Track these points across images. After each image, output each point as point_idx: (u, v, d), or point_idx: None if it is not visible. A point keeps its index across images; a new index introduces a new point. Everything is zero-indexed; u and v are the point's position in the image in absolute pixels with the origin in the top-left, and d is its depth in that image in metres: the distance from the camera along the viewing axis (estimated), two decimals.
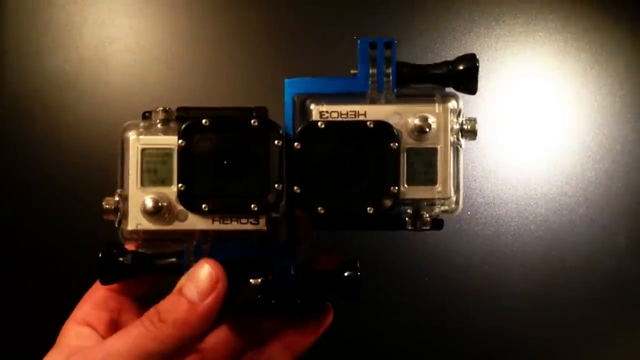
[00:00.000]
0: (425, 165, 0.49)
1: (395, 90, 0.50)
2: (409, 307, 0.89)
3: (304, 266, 0.54)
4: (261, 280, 0.52)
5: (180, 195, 0.49)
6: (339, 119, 0.49)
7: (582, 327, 0.90)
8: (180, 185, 0.49)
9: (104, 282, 0.53)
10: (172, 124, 0.52)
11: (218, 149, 0.49)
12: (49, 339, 0.53)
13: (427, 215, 0.51)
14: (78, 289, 0.56)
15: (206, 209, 0.49)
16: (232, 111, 0.51)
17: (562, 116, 0.91)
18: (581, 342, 0.90)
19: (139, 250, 0.53)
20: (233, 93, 0.90)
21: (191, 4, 0.92)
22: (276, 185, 0.49)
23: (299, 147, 0.48)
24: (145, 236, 0.52)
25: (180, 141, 0.49)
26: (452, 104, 0.50)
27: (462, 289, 0.89)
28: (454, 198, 0.50)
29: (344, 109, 0.49)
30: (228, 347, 0.57)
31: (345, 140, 0.49)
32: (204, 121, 0.49)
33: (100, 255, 0.52)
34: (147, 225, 0.51)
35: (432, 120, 0.49)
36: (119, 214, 0.52)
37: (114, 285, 0.54)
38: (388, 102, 0.50)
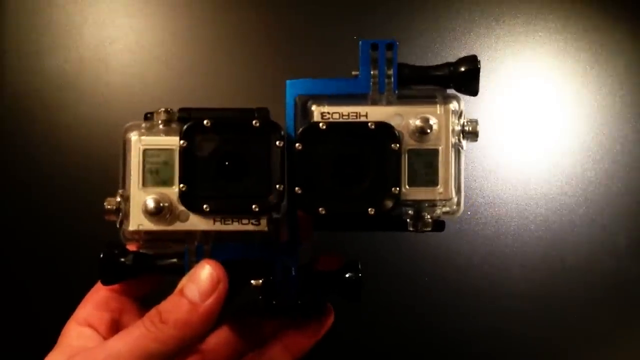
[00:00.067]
0: (426, 167, 0.49)
1: (396, 92, 0.50)
2: (409, 308, 0.89)
3: (305, 267, 0.54)
4: (262, 281, 0.52)
5: (182, 195, 0.49)
6: (341, 120, 0.49)
7: (582, 327, 0.90)
8: (181, 185, 0.49)
9: (105, 283, 0.53)
10: (173, 125, 0.51)
11: (219, 150, 0.49)
12: (50, 340, 0.53)
13: (429, 216, 0.50)
14: (79, 289, 0.56)
15: (207, 209, 0.49)
16: (234, 112, 0.51)
17: (562, 116, 0.91)
18: (581, 342, 0.91)
19: (140, 251, 0.53)
20: (233, 93, 0.90)
21: (191, 4, 0.92)
22: (277, 186, 0.49)
23: (300, 147, 0.49)
24: (147, 237, 0.52)
25: (181, 142, 0.49)
26: (453, 105, 0.50)
27: (462, 289, 0.89)
28: (455, 199, 0.50)
29: (345, 110, 0.49)
30: (229, 348, 0.57)
31: (346, 141, 0.49)
32: (205, 122, 0.49)
33: (101, 255, 0.52)
34: (148, 225, 0.51)
35: (433, 121, 0.49)
36: (120, 214, 0.52)
37: (115, 286, 0.54)
38: (389, 103, 0.50)
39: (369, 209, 0.48)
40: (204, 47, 0.91)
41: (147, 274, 0.53)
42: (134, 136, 0.51)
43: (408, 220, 0.51)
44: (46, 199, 0.90)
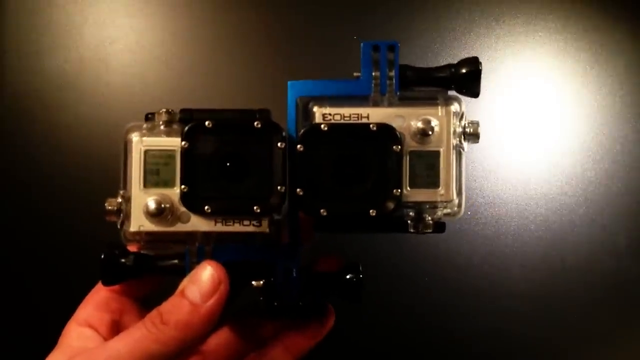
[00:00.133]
0: (427, 168, 0.49)
1: (398, 93, 0.50)
2: (410, 308, 0.89)
3: (306, 268, 0.54)
4: (263, 282, 0.51)
5: (183, 196, 0.49)
6: (342, 121, 0.49)
7: (582, 327, 0.90)
8: (183, 186, 0.49)
9: (106, 284, 0.53)
10: (175, 126, 0.51)
11: (221, 151, 0.49)
12: (51, 340, 0.53)
13: (430, 218, 0.51)
14: (79, 289, 0.56)
15: (209, 210, 0.49)
16: (235, 113, 0.51)
17: (562, 116, 0.91)
18: (581, 342, 0.91)
19: (141, 252, 0.53)
20: (233, 93, 0.90)
21: (191, 4, 0.92)
22: (279, 187, 0.49)
23: (301, 149, 0.49)
24: (148, 237, 0.52)
25: (183, 143, 0.49)
26: (454, 107, 0.50)
27: (462, 289, 0.90)
28: (456, 201, 0.50)
29: (346, 111, 0.49)
30: (229, 349, 0.57)
31: (348, 142, 0.49)
32: (207, 123, 0.49)
33: (102, 256, 0.52)
34: (149, 226, 0.51)
35: (434, 123, 0.49)
36: (121, 215, 0.52)
37: (116, 287, 0.54)
38: (391, 104, 0.50)
39: (370, 211, 0.48)
40: (204, 47, 0.91)
41: (147, 274, 0.53)
42: (135, 137, 0.51)
43: (409, 221, 0.51)
44: (46, 199, 0.90)
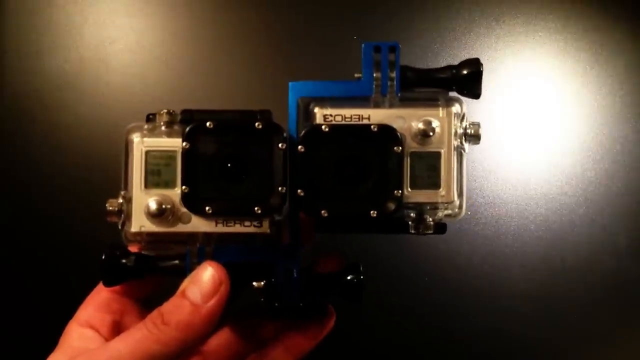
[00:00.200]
0: (428, 169, 0.49)
1: (399, 94, 0.51)
2: (410, 308, 0.89)
3: (307, 269, 0.54)
4: (264, 283, 0.52)
5: (184, 197, 0.49)
6: (343, 122, 0.50)
7: (582, 327, 0.90)
8: (184, 187, 0.49)
9: (107, 284, 0.53)
10: (176, 127, 0.52)
11: (222, 152, 0.49)
12: (51, 341, 0.53)
13: (430, 219, 0.51)
14: (80, 290, 0.56)
15: (210, 211, 0.49)
16: (236, 114, 0.51)
17: (562, 116, 0.91)
18: (581, 342, 0.91)
19: (142, 252, 0.53)
20: (233, 93, 0.90)
21: (191, 4, 0.91)
22: (280, 188, 0.49)
23: (302, 150, 0.49)
24: (149, 238, 0.52)
25: (184, 144, 0.49)
26: (455, 108, 0.50)
27: (462, 289, 0.90)
28: (457, 202, 0.50)
29: (347, 112, 0.50)
30: (230, 350, 0.57)
31: (348, 143, 0.49)
32: (208, 124, 0.49)
33: (103, 257, 0.52)
34: (150, 227, 0.51)
35: (435, 124, 0.49)
36: (122, 215, 0.52)
37: (117, 287, 0.54)
38: (392, 106, 0.50)
39: (371, 212, 0.49)
40: (204, 47, 0.91)
41: (148, 275, 0.53)
42: (136, 138, 0.51)
43: (410, 222, 0.51)
44: (46, 199, 0.90)
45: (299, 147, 0.49)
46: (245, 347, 0.57)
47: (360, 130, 0.49)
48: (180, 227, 0.51)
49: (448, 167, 0.50)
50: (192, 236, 0.52)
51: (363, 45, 0.51)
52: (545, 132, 0.91)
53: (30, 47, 0.91)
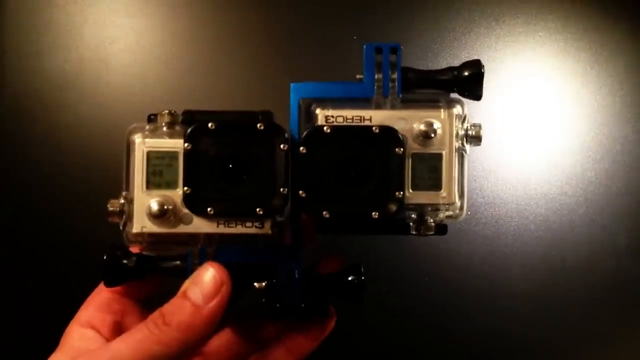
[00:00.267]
0: (430, 171, 0.49)
1: (400, 96, 0.50)
2: (410, 308, 0.89)
3: (308, 270, 0.54)
4: (265, 284, 0.52)
5: (186, 198, 0.49)
6: (344, 123, 0.50)
7: (582, 327, 0.90)
8: (185, 188, 0.49)
9: (108, 285, 0.53)
10: (177, 127, 0.52)
11: (224, 153, 0.49)
12: (52, 342, 0.53)
13: (432, 220, 0.51)
14: (80, 290, 0.56)
15: (211, 212, 0.49)
16: (238, 115, 0.51)
17: (562, 116, 0.91)
18: (581, 342, 0.91)
19: (144, 253, 0.53)
20: (233, 93, 0.90)
21: (191, 4, 0.91)
22: (281, 189, 0.49)
23: (304, 151, 0.49)
24: (150, 239, 0.52)
25: (186, 144, 0.49)
26: (457, 110, 0.50)
27: (462, 289, 0.90)
28: (458, 203, 0.51)
29: (349, 113, 0.50)
30: (231, 351, 0.57)
31: (350, 145, 0.49)
32: (210, 125, 0.49)
33: (104, 257, 0.52)
34: (152, 228, 0.51)
35: (437, 125, 0.49)
36: (123, 216, 0.52)
37: (118, 288, 0.54)
38: (393, 107, 0.50)
39: (373, 213, 0.49)
40: (204, 47, 0.91)
41: (150, 276, 0.53)
42: (137, 138, 0.51)
43: (411, 224, 0.51)
44: (46, 199, 0.90)
45: (301, 148, 0.49)
46: (247, 347, 0.57)
47: (362, 132, 0.49)
48: (182, 228, 0.51)
49: (449, 168, 0.50)
50: (194, 237, 0.52)
51: (365, 46, 0.51)
52: (545, 132, 0.91)
53: (30, 47, 0.91)
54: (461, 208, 0.51)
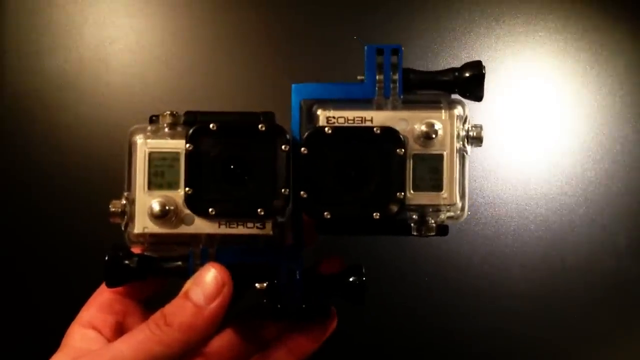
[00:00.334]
0: (431, 172, 0.50)
1: (401, 97, 0.51)
2: (410, 308, 0.90)
3: (309, 270, 0.54)
4: (267, 285, 0.52)
5: (188, 199, 0.49)
6: (346, 124, 0.50)
7: (582, 327, 0.90)
8: (187, 189, 0.49)
9: (109, 285, 0.53)
10: (179, 128, 0.52)
11: (225, 153, 0.49)
12: (54, 342, 0.53)
13: (433, 221, 0.51)
14: (80, 290, 0.56)
15: (213, 213, 0.49)
16: (240, 116, 0.51)
17: (562, 116, 0.91)
18: (581, 342, 0.91)
19: (145, 254, 0.53)
20: (233, 93, 0.90)
21: (191, 4, 0.91)
22: (283, 190, 0.49)
23: (305, 152, 0.49)
24: (152, 239, 0.52)
25: (187, 145, 0.49)
26: (458, 111, 0.50)
27: (462, 289, 0.90)
28: (459, 204, 0.51)
29: (350, 114, 0.50)
30: (232, 351, 0.57)
31: (351, 145, 0.49)
32: (211, 126, 0.49)
33: (106, 258, 0.52)
34: (153, 228, 0.51)
35: (438, 126, 0.49)
36: (125, 217, 0.52)
37: (120, 288, 0.54)
38: (394, 108, 0.50)
39: (374, 214, 0.49)
40: (204, 47, 0.91)
41: (151, 276, 0.53)
42: (139, 139, 0.51)
43: (412, 224, 0.51)
44: (46, 199, 0.90)
45: (302, 149, 0.49)
46: (248, 348, 0.57)
47: (363, 133, 0.49)
48: (183, 229, 0.51)
49: (450, 169, 0.50)
50: (195, 237, 0.52)
51: (366, 47, 0.51)
52: (545, 132, 0.91)
53: (30, 47, 0.91)
54: (462, 209, 0.51)
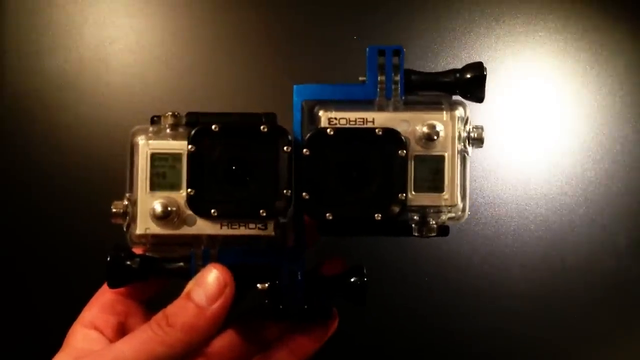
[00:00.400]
0: (432, 173, 0.50)
1: (403, 98, 0.51)
2: (411, 308, 0.89)
3: (311, 271, 0.54)
4: (268, 285, 0.52)
5: (190, 200, 0.50)
6: (348, 125, 0.50)
7: (582, 327, 0.90)
8: (189, 190, 0.49)
9: (111, 286, 0.54)
10: (181, 129, 0.52)
11: (227, 154, 0.50)
12: (55, 342, 0.53)
13: (434, 222, 0.51)
14: (81, 291, 0.56)
15: (215, 214, 0.50)
16: (242, 117, 0.51)
17: (562, 116, 0.91)
18: (581, 342, 0.91)
19: (147, 254, 0.53)
20: (233, 93, 0.90)
21: (191, 4, 0.91)
22: (285, 191, 0.49)
23: (307, 153, 0.49)
24: (154, 240, 0.52)
25: (189, 146, 0.49)
26: (459, 112, 0.50)
27: (462, 289, 0.90)
28: (460, 205, 0.51)
29: (352, 115, 0.50)
30: (234, 352, 0.57)
31: (353, 147, 0.49)
32: (213, 127, 0.49)
33: (108, 258, 0.52)
34: (155, 229, 0.51)
35: (439, 128, 0.49)
36: (127, 217, 0.52)
37: (121, 289, 0.55)
38: (396, 109, 0.51)
39: (376, 215, 0.49)
40: (204, 47, 0.91)
41: (153, 277, 0.54)
42: (141, 140, 0.51)
43: (413, 225, 0.51)
44: (46, 199, 0.90)
45: (304, 150, 0.49)
46: (249, 349, 0.57)
47: (365, 134, 0.49)
48: (185, 230, 0.51)
49: (452, 170, 0.50)
50: (197, 238, 0.52)
51: (367, 48, 0.51)
52: (545, 132, 0.91)
53: (30, 47, 0.91)
54: (463, 210, 0.51)
